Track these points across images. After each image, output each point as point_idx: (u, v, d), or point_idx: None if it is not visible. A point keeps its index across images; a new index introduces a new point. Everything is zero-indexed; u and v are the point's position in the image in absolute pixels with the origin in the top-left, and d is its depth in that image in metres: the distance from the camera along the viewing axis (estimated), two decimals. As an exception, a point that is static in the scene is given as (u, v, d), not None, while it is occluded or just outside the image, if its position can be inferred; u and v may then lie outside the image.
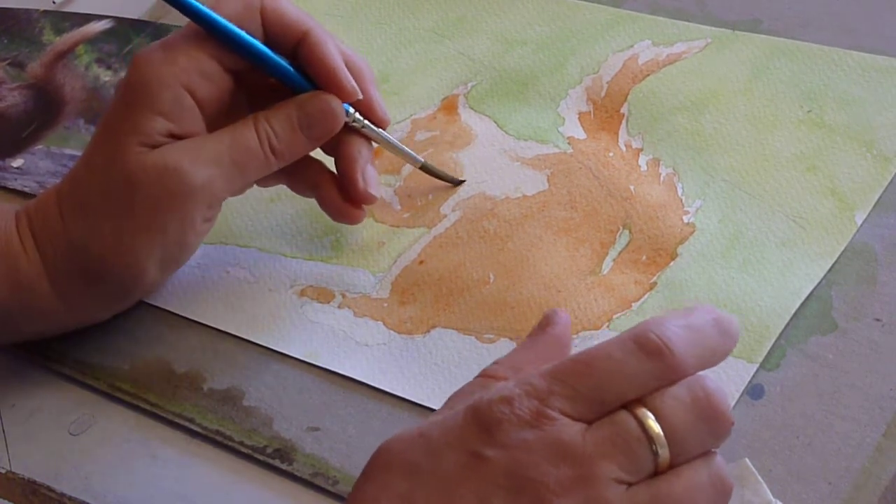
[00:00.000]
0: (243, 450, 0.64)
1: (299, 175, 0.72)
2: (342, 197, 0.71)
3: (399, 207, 0.74)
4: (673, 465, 0.49)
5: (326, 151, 0.72)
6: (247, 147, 0.67)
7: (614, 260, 0.69)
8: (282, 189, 0.74)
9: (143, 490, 0.64)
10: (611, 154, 0.74)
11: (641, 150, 0.74)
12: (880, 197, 0.69)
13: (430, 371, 0.66)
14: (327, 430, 0.64)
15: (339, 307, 0.70)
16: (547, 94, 0.79)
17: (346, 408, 0.65)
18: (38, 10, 0.94)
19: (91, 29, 0.92)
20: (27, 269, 0.67)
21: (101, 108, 0.86)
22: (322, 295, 0.71)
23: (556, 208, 0.72)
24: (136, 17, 0.93)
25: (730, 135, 0.74)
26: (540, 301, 0.67)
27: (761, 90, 0.76)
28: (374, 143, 0.72)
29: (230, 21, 0.67)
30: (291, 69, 0.68)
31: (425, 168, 0.74)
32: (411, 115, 0.80)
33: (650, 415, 0.49)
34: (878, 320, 0.64)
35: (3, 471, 0.66)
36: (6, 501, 0.65)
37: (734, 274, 0.66)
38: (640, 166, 0.73)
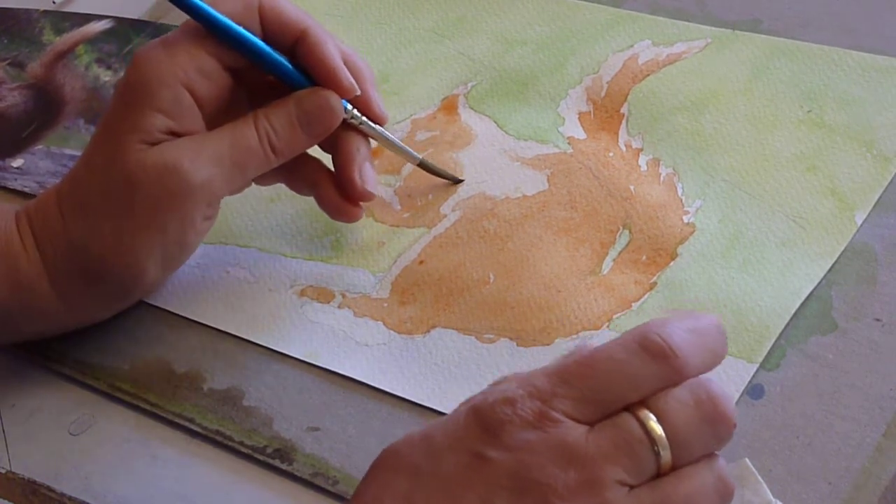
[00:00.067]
0: (243, 450, 0.64)
1: (298, 173, 0.72)
2: (340, 195, 0.71)
3: (399, 207, 0.74)
4: (675, 467, 0.49)
5: (325, 149, 0.72)
6: (247, 145, 0.67)
7: (614, 260, 0.69)
8: (282, 189, 0.74)
9: (143, 490, 0.64)
10: (611, 154, 0.74)
11: (641, 150, 0.74)
12: (880, 197, 0.69)
13: (430, 371, 0.66)
14: (327, 430, 0.64)
15: (339, 307, 0.70)
16: (547, 94, 0.79)
17: (346, 408, 0.65)
18: (38, 10, 0.94)
19: (91, 29, 0.92)
20: (27, 268, 0.67)
21: (101, 108, 0.86)
22: (322, 295, 0.71)
23: (556, 208, 0.72)
24: (136, 17, 0.93)
25: (730, 135, 0.74)
26: (540, 301, 0.67)
27: (761, 90, 0.76)
28: (372, 141, 0.72)
29: (229, 19, 0.67)
30: (290, 66, 0.69)
31: (423, 165, 0.74)
32: (411, 115, 0.80)
33: (652, 416, 0.48)
34: (878, 320, 0.64)
35: (3, 471, 0.66)
36: (6, 501, 0.65)
37: (734, 274, 0.66)
38: (640, 166, 0.73)
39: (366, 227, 0.73)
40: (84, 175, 0.68)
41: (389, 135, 0.72)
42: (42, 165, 0.83)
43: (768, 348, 0.63)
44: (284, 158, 0.69)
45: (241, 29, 0.67)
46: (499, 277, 0.69)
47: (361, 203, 0.71)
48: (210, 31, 0.67)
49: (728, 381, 0.61)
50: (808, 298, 0.65)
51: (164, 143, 0.66)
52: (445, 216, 0.73)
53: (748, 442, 0.59)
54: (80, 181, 0.68)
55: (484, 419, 0.49)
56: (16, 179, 0.82)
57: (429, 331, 0.68)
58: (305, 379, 0.67)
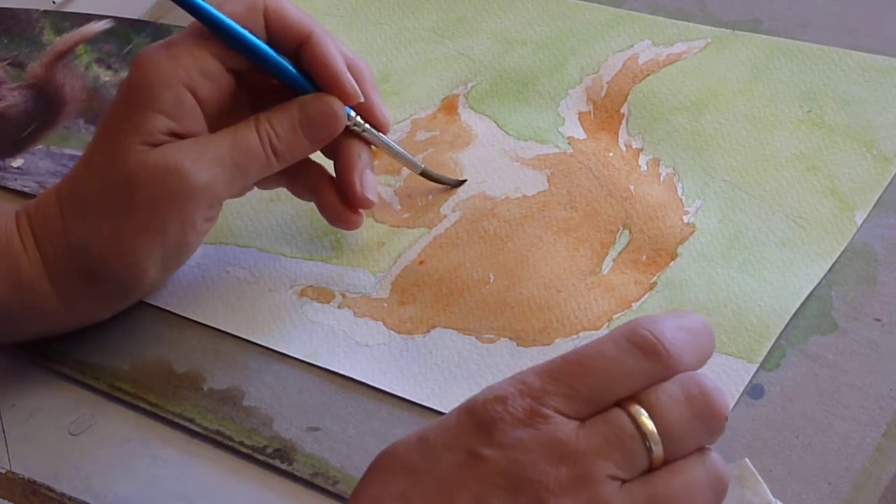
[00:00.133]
0: (243, 450, 0.64)
1: (299, 178, 0.72)
2: (340, 201, 0.71)
3: (399, 207, 0.75)
4: (668, 462, 0.49)
5: (326, 154, 0.72)
6: (248, 148, 0.67)
7: (614, 260, 0.69)
8: (282, 189, 0.74)
9: (143, 490, 0.64)
10: (611, 154, 0.74)
11: (641, 150, 0.74)
12: (880, 197, 0.69)
13: (430, 371, 0.66)
14: (327, 430, 0.64)
15: (339, 307, 0.70)
16: (547, 94, 0.79)
17: (346, 408, 0.65)
18: (38, 10, 0.94)
19: (91, 29, 0.92)
20: (27, 268, 0.67)
21: (101, 108, 0.86)
22: (322, 295, 0.71)
23: (556, 208, 0.72)
24: (136, 17, 0.93)
25: (730, 135, 0.74)
26: (540, 301, 0.67)
27: (761, 90, 0.76)
28: (373, 147, 0.72)
29: (233, 21, 0.67)
30: (294, 70, 0.68)
31: (425, 174, 0.74)
32: (411, 115, 0.80)
33: (643, 411, 0.49)
34: (878, 320, 0.64)
35: (3, 471, 0.66)
36: (6, 501, 0.65)
37: (734, 274, 0.66)
38: (640, 166, 0.73)
39: (366, 228, 0.73)
40: (84, 175, 0.68)
41: (392, 143, 0.72)
42: (42, 165, 0.83)
43: (768, 348, 0.63)
44: (286, 163, 0.69)
45: (244, 31, 0.67)
46: (499, 277, 0.69)
47: (361, 210, 0.71)
48: (213, 32, 0.67)
49: (728, 381, 0.61)
50: (808, 298, 0.65)
51: (165, 144, 0.66)
52: (445, 216, 0.73)
53: (748, 442, 0.59)
54: (81, 181, 0.68)
55: (477, 418, 0.49)
56: (16, 179, 0.82)
57: (429, 331, 0.68)
58: (305, 379, 0.67)
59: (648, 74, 0.78)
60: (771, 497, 0.55)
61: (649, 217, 0.70)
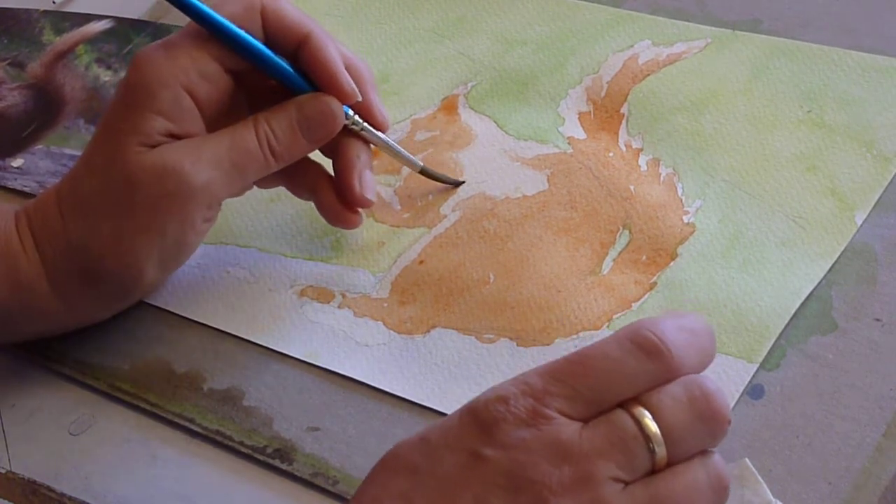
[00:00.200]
0: (243, 450, 0.64)
1: (298, 178, 0.72)
2: (339, 200, 0.71)
3: (399, 207, 0.74)
4: (670, 464, 0.49)
5: (325, 154, 0.72)
6: (246, 148, 0.67)
7: (614, 260, 0.69)
8: (282, 189, 0.74)
9: (143, 490, 0.64)
10: (611, 154, 0.74)
11: (641, 150, 0.74)
12: (880, 197, 0.69)
13: (430, 371, 0.66)
14: (327, 430, 0.64)
15: (339, 307, 0.70)
16: (547, 94, 0.79)
17: (346, 408, 0.65)
18: (38, 10, 0.94)
19: (91, 29, 0.92)
20: (27, 268, 0.67)
21: (101, 108, 0.86)
22: (322, 295, 0.71)
23: (556, 208, 0.72)
24: (136, 17, 0.93)
25: (730, 135, 0.74)
26: (540, 301, 0.67)
27: (761, 90, 0.76)
28: (373, 147, 0.72)
29: (231, 21, 0.67)
30: (292, 70, 0.68)
31: (425, 172, 0.74)
32: (411, 115, 0.80)
33: (647, 413, 0.49)
34: (878, 320, 0.64)
35: (3, 471, 0.66)
36: (6, 501, 0.65)
37: (734, 274, 0.66)
38: (640, 166, 0.73)
39: (366, 227, 0.73)
40: (84, 175, 0.68)
41: (391, 141, 0.72)
42: (42, 165, 0.83)
43: (768, 348, 0.63)
44: (284, 163, 0.69)
45: (242, 32, 0.67)
46: (499, 277, 0.69)
47: (360, 210, 0.71)
48: (212, 33, 0.67)
49: (728, 381, 0.61)
50: (808, 298, 0.65)
51: (163, 145, 0.66)
52: (445, 216, 0.73)
53: (748, 442, 0.59)
54: (80, 181, 0.68)
55: (479, 418, 0.49)
56: (16, 179, 0.82)
57: (429, 331, 0.68)
58: (305, 379, 0.67)
59: (648, 74, 0.78)
60: (771, 497, 0.55)
61: (649, 217, 0.70)
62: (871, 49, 0.77)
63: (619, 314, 0.66)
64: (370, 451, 0.63)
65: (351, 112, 0.70)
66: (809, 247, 0.67)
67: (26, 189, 0.81)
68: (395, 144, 0.72)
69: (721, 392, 0.50)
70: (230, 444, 0.65)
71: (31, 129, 0.86)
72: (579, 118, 0.77)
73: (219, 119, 0.68)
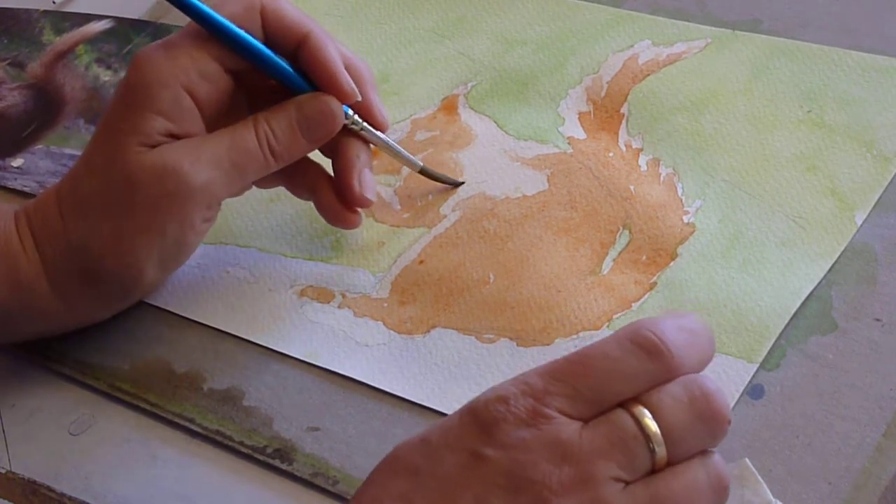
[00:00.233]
0: (243, 450, 0.64)
1: (298, 177, 0.72)
2: (339, 200, 0.71)
3: (399, 207, 0.74)
4: (670, 464, 0.49)
5: (325, 153, 0.72)
6: (246, 148, 0.67)
7: (614, 260, 0.69)
8: (281, 189, 0.74)
9: (143, 490, 0.64)
10: (611, 154, 0.74)
11: (641, 150, 0.74)
12: (880, 197, 0.69)
13: (430, 371, 0.66)
14: (327, 430, 0.64)
15: (339, 307, 0.70)
16: (547, 94, 0.79)
17: (346, 408, 0.65)
18: (38, 10, 0.94)
19: (91, 29, 0.92)
20: (27, 268, 0.67)
21: (101, 108, 0.86)
22: (322, 295, 0.71)
23: (556, 208, 0.72)
24: (136, 17, 0.93)
25: (730, 135, 0.74)
26: (540, 301, 0.67)
27: (761, 90, 0.76)
28: (373, 146, 0.72)
29: (230, 21, 0.67)
30: (291, 70, 0.68)
31: (424, 172, 0.74)
32: (411, 115, 0.80)
33: (647, 413, 0.49)
34: (878, 320, 0.64)
35: (3, 471, 0.66)
36: (6, 501, 0.65)
37: (734, 274, 0.66)
38: (640, 166, 0.73)
39: (366, 227, 0.73)
40: (84, 175, 0.68)
41: (390, 141, 0.72)
42: (42, 165, 0.83)
43: (768, 348, 0.63)
44: (284, 163, 0.69)
45: (242, 32, 0.67)
46: (499, 277, 0.69)
47: (360, 210, 0.71)
48: (211, 33, 0.67)
49: (728, 381, 0.61)
50: (808, 298, 0.65)
51: (163, 145, 0.66)
52: (445, 216, 0.73)
53: (748, 442, 0.59)
54: (80, 181, 0.68)
55: (479, 418, 0.49)
56: (16, 179, 0.82)
57: (429, 331, 0.68)
58: (305, 379, 0.67)
59: (648, 74, 0.78)
60: (771, 497, 0.55)
61: (649, 217, 0.70)
62: (871, 49, 0.77)
63: (619, 314, 0.66)
64: (370, 451, 0.63)
65: (351, 112, 0.70)
66: (809, 247, 0.67)
67: (26, 189, 0.81)
68: (395, 144, 0.72)
69: (721, 392, 0.50)
70: (230, 444, 0.65)
71: (31, 129, 0.86)
72: (579, 118, 0.77)
73: (219, 119, 0.68)
